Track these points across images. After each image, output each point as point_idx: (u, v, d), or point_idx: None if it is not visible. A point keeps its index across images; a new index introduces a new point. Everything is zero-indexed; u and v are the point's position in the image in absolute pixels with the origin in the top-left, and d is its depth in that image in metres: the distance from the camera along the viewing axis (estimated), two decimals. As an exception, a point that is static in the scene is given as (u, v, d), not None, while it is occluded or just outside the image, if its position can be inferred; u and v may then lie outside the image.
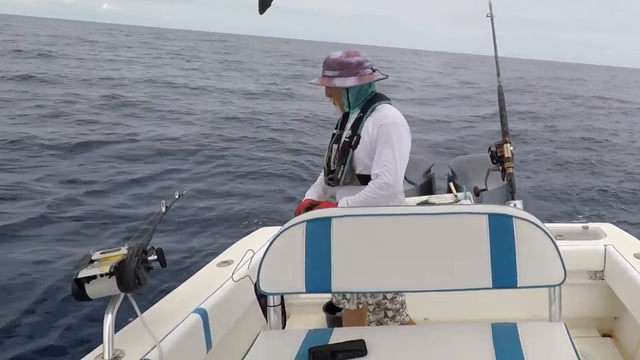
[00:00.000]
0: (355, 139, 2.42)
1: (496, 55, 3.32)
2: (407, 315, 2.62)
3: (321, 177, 2.73)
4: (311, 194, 2.71)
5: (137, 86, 20.59)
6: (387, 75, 2.54)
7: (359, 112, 2.46)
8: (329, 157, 2.53)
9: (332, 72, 2.40)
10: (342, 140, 2.48)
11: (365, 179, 2.42)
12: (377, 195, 2.35)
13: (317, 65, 2.56)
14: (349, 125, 2.49)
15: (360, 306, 2.62)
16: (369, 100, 2.47)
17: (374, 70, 2.46)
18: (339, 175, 2.46)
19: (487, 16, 3.40)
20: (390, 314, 2.54)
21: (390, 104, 2.50)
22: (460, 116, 19.23)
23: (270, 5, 2.02)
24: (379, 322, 2.58)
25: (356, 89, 2.44)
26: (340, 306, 2.69)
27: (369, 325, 2.61)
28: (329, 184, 2.57)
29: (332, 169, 2.51)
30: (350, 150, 2.43)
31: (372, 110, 2.43)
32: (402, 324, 2.58)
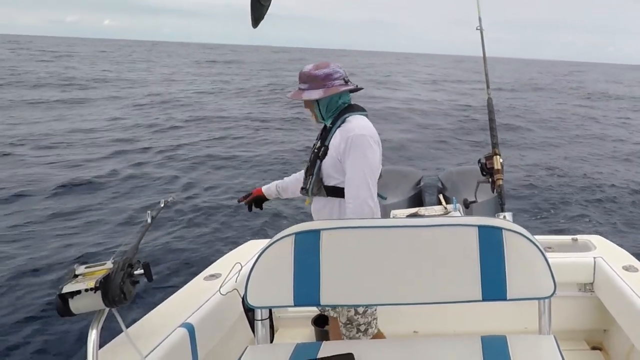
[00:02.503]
0: (323, 150, 2.44)
1: (485, 68, 3.33)
2: (377, 326, 2.60)
3: (289, 177, 2.87)
4: (266, 188, 2.92)
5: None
6: (357, 86, 2.52)
7: (330, 123, 2.48)
8: (307, 167, 2.56)
9: (303, 85, 2.44)
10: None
11: (331, 191, 2.44)
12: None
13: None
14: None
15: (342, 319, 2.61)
16: (342, 111, 2.47)
17: (346, 82, 2.46)
18: (308, 186, 2.49)
19: (476, 29, 3.42)
20: (362, 328, 2.52)
21: (364, 115, 2.50)
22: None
23: (263, 18, 2.03)
24: (351, 339, 2.54)
25: (325, 101, 2.45)
26: (325, 313, 2.68)
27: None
28: (301, 194, 2.59)
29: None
30: (318, 161, 2.44)
31: (342, 122, 2.43)
32: (373, 336, 2.56)
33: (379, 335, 2.62)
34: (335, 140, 2.40)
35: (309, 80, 2.42)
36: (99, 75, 30.95)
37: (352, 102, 2.54)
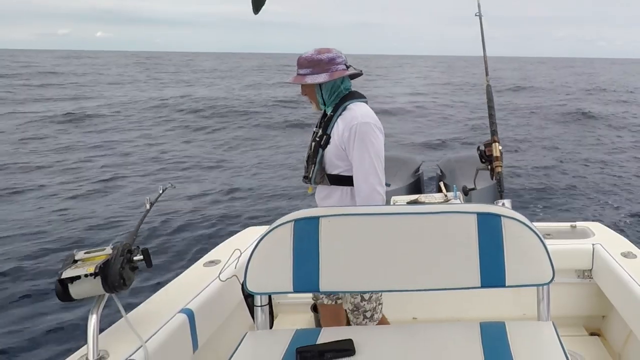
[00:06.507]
0: (325, 138, 2.41)
1: (485, 55, 3.31)
2: (381, 311, 2.60)
3: None
4: None
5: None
6: (361, 71, 2.51)
7: (331, 111, 2.46)
8: (308, 155, 2.52)
9: (305, 70, 2.40)
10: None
11: (334, 179, 2.43)
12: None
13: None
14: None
15: (339, 302, 2.62)
16: (343, 98, 2.45)
17: (348, 67, 2.45)
18: (310, 174, 2.47)
19: (475, 15, 3.39)
20: (368, 314, 2.53)
21: (364, 102, 2.48)
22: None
23: (264, 4, 2.01)
24: (359, 325, 2.55)
25: (328, 86, 2.43)
26: (317, 302, 2.68)
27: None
28: (304, 182, 2.56)
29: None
30: (320, 149, 2.42)
31: (344, 110, 2.41)
32: (379, 322, 2.57)
33: (383, 321, 2.63)
34: (339, 129, 2.38)
35: (311, 65, 2.39)
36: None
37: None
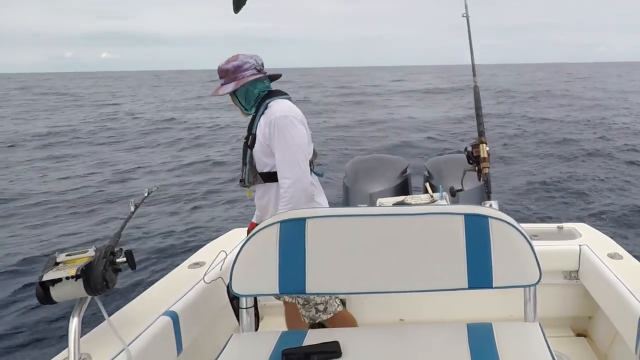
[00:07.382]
0: (251, 138, 2.48)
1: (472, 57, 3.30)
2: (339, 305, 2.63)
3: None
4: (256, 217, 2.78)
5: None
6: (266, 74, 2.55)
7: (254, 112, 2.53)
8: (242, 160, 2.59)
9: (220, 81, 2.51)
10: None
11: (267, 176, 2.49)
12: (293, 197, 2.37)
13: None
14: None
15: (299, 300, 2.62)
16: (262, 98, 2.52)
17: (259, 71, 2.51)
18: (244, 176, 2.54)
19: (462, 16, 3.38)
20: (321, 307, 2.55)
21: (287, 98, 2.54)
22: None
23: (244, 4, 2.00)
24: (312, 319, 2.58)
25: (241, 92, 2.51)
26: (280, 299, 2.67)
27: (304, 321, 2.61)
28: (241, 186, 2.62)
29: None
30: (249, 150, 2.49)
31: (265, 108, 2.48)
32: (334, 314, 2.58)
33: (344, 315, 2.65)
34: (261, 127, 2.44)
35: (223, 74, 2.49)
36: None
37: (275, 89, 2.59)
